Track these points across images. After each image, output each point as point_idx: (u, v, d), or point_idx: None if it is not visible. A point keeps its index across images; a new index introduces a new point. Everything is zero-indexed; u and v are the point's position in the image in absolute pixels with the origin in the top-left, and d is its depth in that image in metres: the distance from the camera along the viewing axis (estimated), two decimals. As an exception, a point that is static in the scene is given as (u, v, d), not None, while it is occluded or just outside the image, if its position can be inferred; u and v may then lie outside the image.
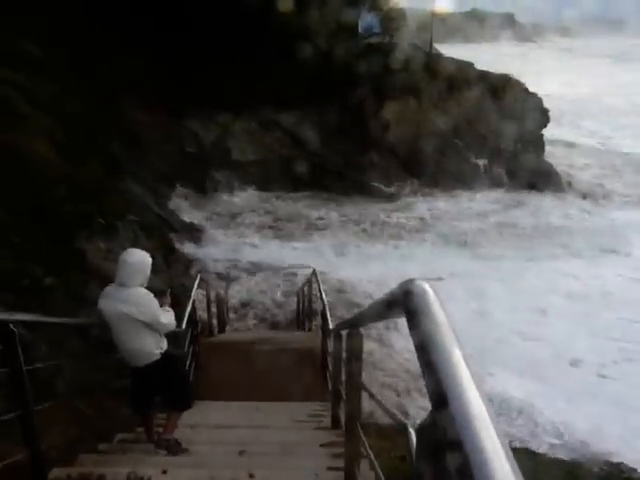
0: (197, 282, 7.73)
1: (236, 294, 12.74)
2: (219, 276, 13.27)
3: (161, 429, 4.14)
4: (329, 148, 20.07)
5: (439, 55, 23.57)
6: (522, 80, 22.30)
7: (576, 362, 10.85)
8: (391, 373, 9.89)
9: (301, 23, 18.77)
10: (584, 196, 21.79)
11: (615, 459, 6.85)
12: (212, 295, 9.36)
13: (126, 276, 3.77)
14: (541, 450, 7.44)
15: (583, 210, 20.46)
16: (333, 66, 18.87)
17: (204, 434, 4.65)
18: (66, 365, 5.34)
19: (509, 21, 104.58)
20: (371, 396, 2.51)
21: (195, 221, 16.65)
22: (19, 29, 13.89)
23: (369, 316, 2.17)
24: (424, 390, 0.95)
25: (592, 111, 38.21)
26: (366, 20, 22.09)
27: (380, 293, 1.69)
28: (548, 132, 23.30)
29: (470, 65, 22.00)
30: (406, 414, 8.10)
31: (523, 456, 5.92)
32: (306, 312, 9.77)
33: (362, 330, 2.89)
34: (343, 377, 3.73)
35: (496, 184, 21.05)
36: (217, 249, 15.37)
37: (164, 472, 3.29)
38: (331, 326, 5.97)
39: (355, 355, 2.87)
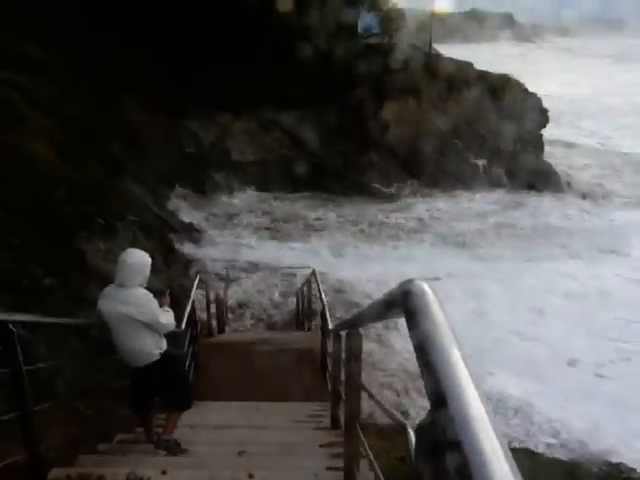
0: (196, 282, 7.73)
1: (233, 294, 12.74)
2: (218, 276, 13.27)
3: (161, 429, 4.14)
4: (328, 148, 20.07)
5: (438, 55, 23.59)
6: (521, 80, 22.31)
7: (574, 362, 10.87)
8: (391, 373, 9.90)
9: (301, 23, 18.76)
10: (583, 196, 21.81)
11: (614, 459, 6.85)
12: (211, 296, 9.36)
13: (125, 277, 3.77)
14: (538, 449, 7.44)
15: (582, 210, 20.46)
16: (333, 66, 18.88)
17: (204, 434, 4.65)
18: (65, 365, 5.33)
19: (508, 21, 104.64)
20: (370, 396, 2.51)
21: (194, 221, 16.65)
22: (19, 29, 13.89)
23: (368, 316, 2.18)
24: (423, 390, 0.95)
25: (591, 111, 38.23)
26: (365, 20, 22.10)
27: (379, 293, 1.69)
28: (547, 132, 23.30)
29: (469, 65, 22.01)
30: (405, 414, 8.10)
31: (522, 456, 5.92)
32: (305, 312, 9.77)
33: (361, 330, 2.89)
34: (342, 377, 3.73)
35: (495, 184, 21.06)
36: (216, 249, 15.37)
37: (164, 473, 3.29)
38: (330, 326, 5.98)
39: (354, 355, 2.87)
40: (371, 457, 2.38)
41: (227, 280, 12.42)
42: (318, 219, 18.41)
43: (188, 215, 16.91)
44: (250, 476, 3.21)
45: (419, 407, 8.33)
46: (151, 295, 3.86)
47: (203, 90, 18.02)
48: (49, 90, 13.60)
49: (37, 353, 5.28)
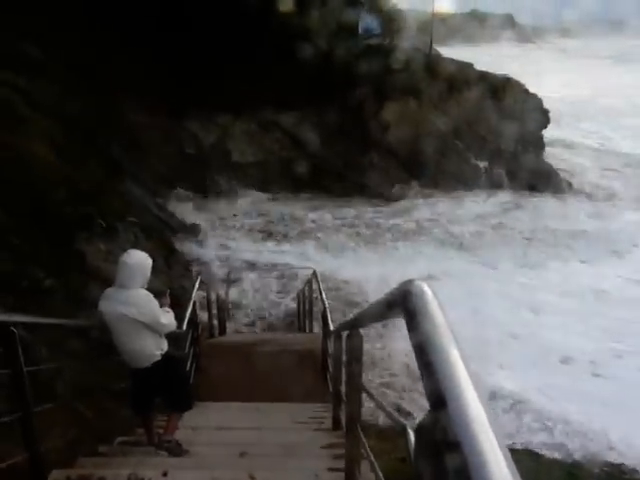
0: (197, 283, 7.74)
1: (231, 294, 12.79)
2: (219, 277, 13.29)
3: (161, 430, 4.14)
4: (329, 149, 20.07)
5: (439, 56, 23.56)
6: (522, 81, 22.30)
7: (569, 360, 10.88)
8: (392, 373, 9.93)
9: (301, 23, 18.78)
10: (584, 197, 21.79)
11: (609, 458, 6.85)
12: (212, 296, 9.37)
13: (126, 278, 3.77)
14: (531, 447, 7.45)
15: (583, 211, 20.45)
16: (333, 67, 18.88)
17: (205, 435, 4.65)
18: (66, 367, 5.33)
19: (509, 22, 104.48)
20: (371, 397, 2.51)
21: (195, 222, 16.67)
22: (19, 30, 13.90)
23: (369, 317, 2.17)
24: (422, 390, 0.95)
25: (592, 112, 38.19)
26: (366, 21, 22.10)
27: (378, 294, 1.69)
28: (548, 133, 23.30)
29: (470, 66, 22.01)
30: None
31: (524, 457, 5.92)
32: (307, 313, 9.77)
33: (362, 331, 2.89)
34: (343, 378, 3.73)
35: (496, 185, 21.04)
36: (216, 250, 15.41)
37: (165, 474, 3.29)
38: (332, 327, 5.97)
39: (355, 356, 2.86)
40: (372, 458, 2.38)
41: (228, 281, 12.43)
42: (319, 220, 18.42)
43: (188, 216, 16.93)
44: (251, 477, 3.21)
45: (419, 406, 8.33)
46: (152, 296, 3.86)
47: (203, 91, 18.03)
48: (49, 91, 13.60)
49: (38, 354, 5.28)
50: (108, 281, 4.11)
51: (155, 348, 3.93)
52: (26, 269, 7.10)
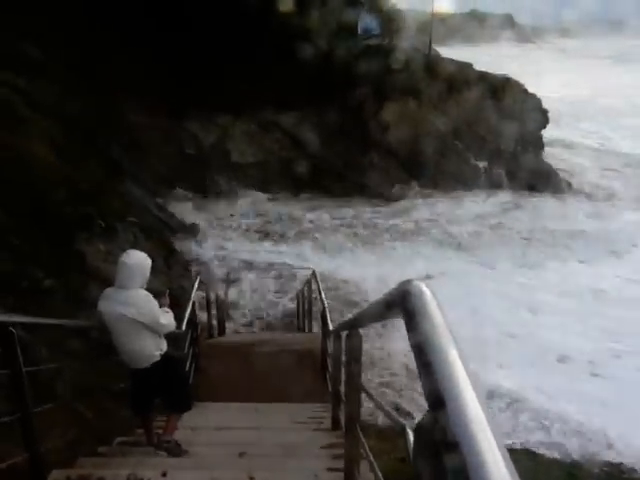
0: (196, 284, 7.73)
1: (229, 294, 12.80)
2: (218, 277, 13.30)
3: (161, 431, 4.14)
4: (329, 149, 20.07)
5: (439, 56, 23.56)
6: (522, 81, 22.30)
7: (567, 360, 10.88)
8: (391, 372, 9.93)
9: (301, 23, 18.77)
10: (583, 197, 21.79)
11: (607, 457, 6.85)
12: (212, 297, 9.37)
13: (125, 278, 3.77)
14: (528, 446, 7.45)
15: (582, 211, 20.45)
16: (333, 67, 18.88)
17: (204, 436, 4.65)
18: (65, 367, 5.33)
19: (509, 22, 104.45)
20: (370, 397, 2.51)
21: (195, 222, 16.67)
22: (19, 30, 13.90)
23: (368, 317, 2.17)
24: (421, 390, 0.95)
25: (591, 112, 38.18)
26: (365, 21, 22.09)
27: (377, 294, 1.69)
28: (547, 133, 23.30)
29: (470, 66, 22.01)
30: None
31: (523, 457, 5.92)
32: (306, 313, 9.77)
33: (361, 331, 2.89)
34: (343, 378, 3.72)
35: (496, 185, 21.04)
36: (216, 250, 15.41)
37: (164, 474, 3.29)
38: (331, 327, 5.97)
39: (354, 356, 2.86)
40: (371, 458, 2.38)
41: (227, 281, 12.43)
42: (318, 220, 18.42)
43: (188, 216, 16.92)
44: (251, 477, 3.21)
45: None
46: (151, 296, 3.85)
47: (203, 91, 18.03)
48: (49, 91, 13.61)
49: (37, 354, 5.28)
50: (108, 281, 4.11)
51: (154, 348, 3.93)
52: (26, 269, 7.11)
